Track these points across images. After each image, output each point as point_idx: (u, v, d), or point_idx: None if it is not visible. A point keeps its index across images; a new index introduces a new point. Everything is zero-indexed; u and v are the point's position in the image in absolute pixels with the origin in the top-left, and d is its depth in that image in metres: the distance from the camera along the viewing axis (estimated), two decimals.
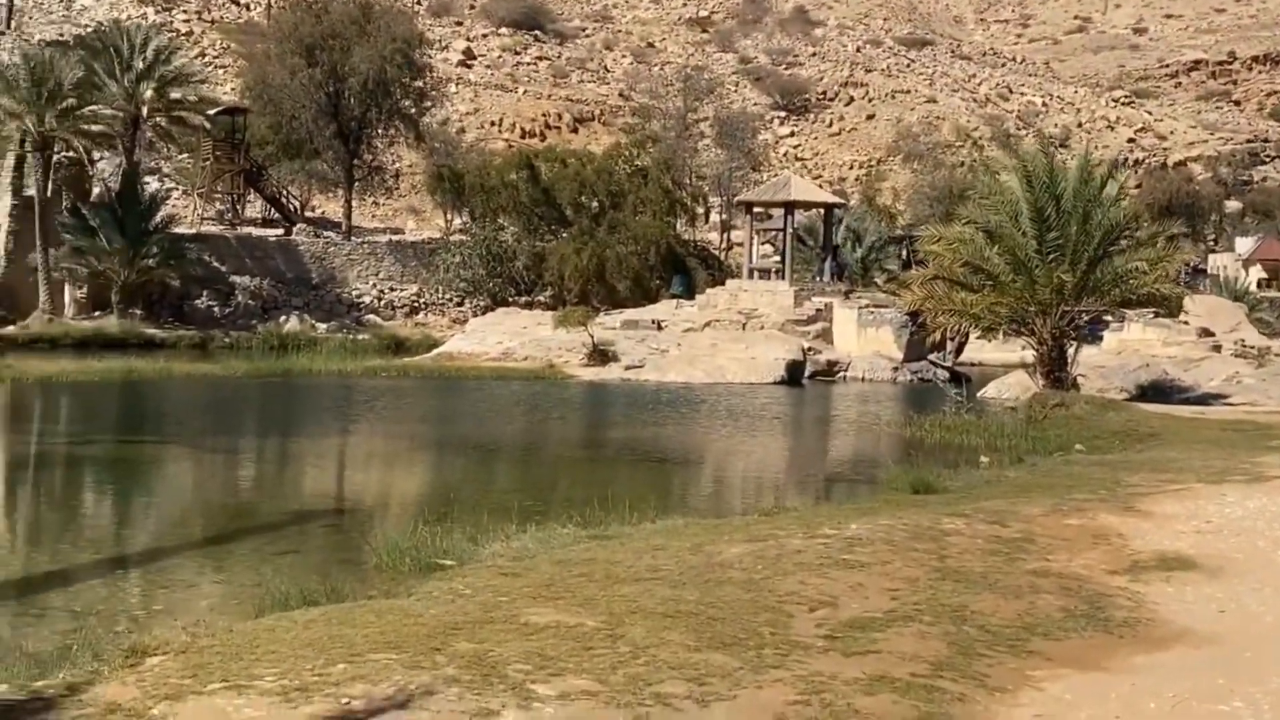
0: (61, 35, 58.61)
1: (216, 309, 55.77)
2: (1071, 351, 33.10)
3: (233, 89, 66.90)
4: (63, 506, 18.69)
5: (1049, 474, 19.50)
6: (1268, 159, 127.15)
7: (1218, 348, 47.89)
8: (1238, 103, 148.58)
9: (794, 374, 44.84)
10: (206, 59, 74.54)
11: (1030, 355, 35.00)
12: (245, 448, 26.99)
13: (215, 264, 56.93)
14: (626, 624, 8.24)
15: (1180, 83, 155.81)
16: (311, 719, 5.90)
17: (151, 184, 58.02)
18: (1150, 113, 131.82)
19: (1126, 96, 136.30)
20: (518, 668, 6.88)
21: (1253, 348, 48.07)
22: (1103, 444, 23.98)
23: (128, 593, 12.30)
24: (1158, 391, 35.40)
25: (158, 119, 54.96)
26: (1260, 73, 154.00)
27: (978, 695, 6.98)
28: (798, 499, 20.56)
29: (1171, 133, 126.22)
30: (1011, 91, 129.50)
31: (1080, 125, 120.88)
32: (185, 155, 63.37)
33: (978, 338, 43.49)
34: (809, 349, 47.26)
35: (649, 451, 27.19)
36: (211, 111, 58.15)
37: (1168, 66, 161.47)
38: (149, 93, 53.45)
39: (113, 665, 7.21)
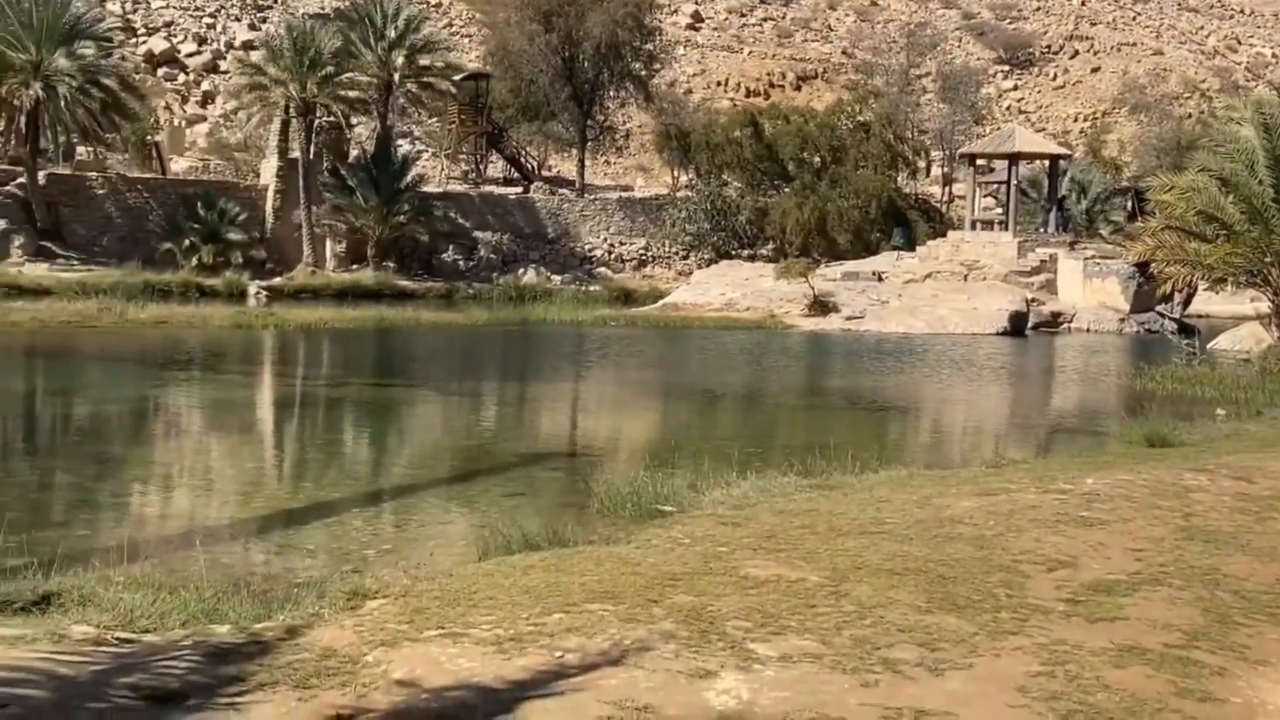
0: (323, 8, 59.33)
1: (461, 262, 56.34)
2: None
3: (476, 56, 67.28)
4: (314, 445, 18.75)
5: None
6: None
7: None
8: None
9: (1017, 325, 43.43)
10: (453, 28, 75.15)
11: (1265, 307, 32.92)
12: (485, 392, 27.05)
13: (460, 220, 57.49)
14: (851, 580, 7.55)
15: None
16: (524, 671, 5.47)
17: (403, 146, 58.84)
18: None
19: None
20: (737, 624, 6.32)
21: None
22: None
23: (360, 531, 11.98)
24: None
25: (408, 85, 55.54)
26: None
27: (1238, 669, 6.06)
28: (1024, 450, 19.19)
29: None
30: (1240, 43, 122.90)
31: None
32: (433, 119, 64.08)
33: (1206, 289, 41.02)
34: (1032, 300, 45.69)
35: (870, 400, 26.22)
36: (457, 77, 58.56)
37: None
38: (400, 60, 54.11)
39: (334, 608, 6.94)
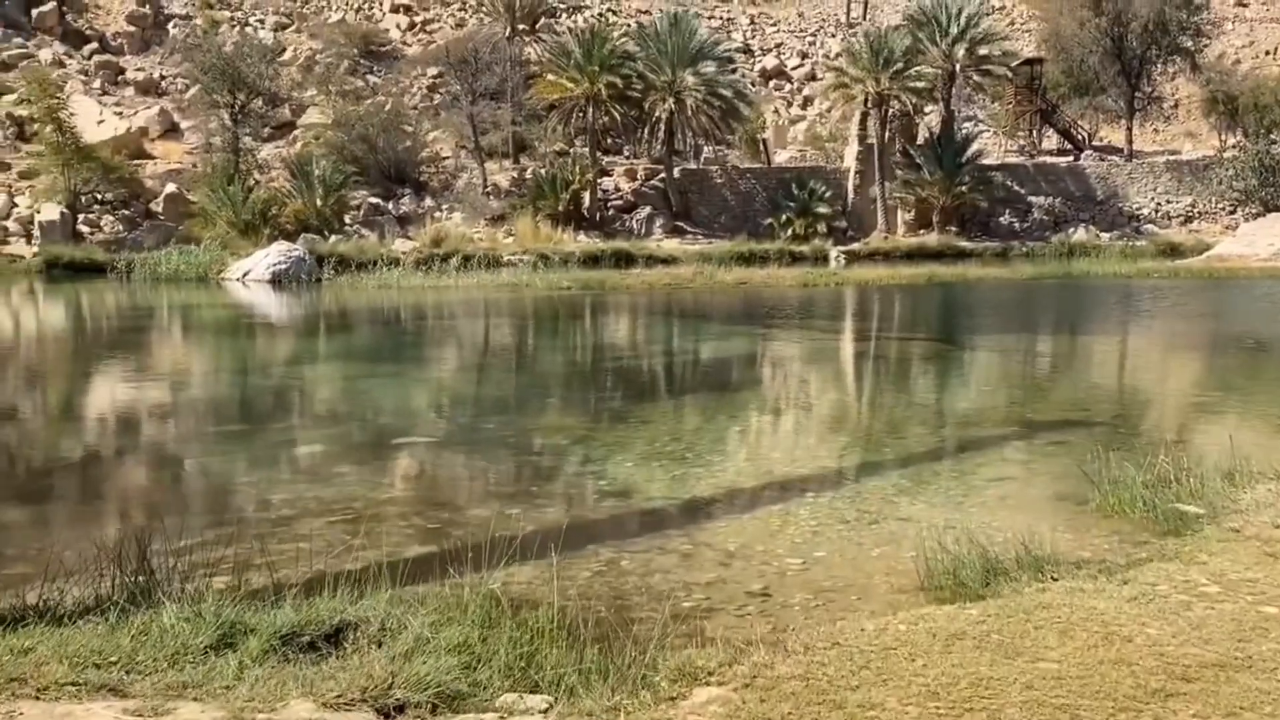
0: (900, 23, 55.50)
1: (1016, 224, 51.00)
2: None
3: (1031, 44, 60.63)
4: (821, 404, 14.36)
5: None
6: None
7: None
8: None
9: None
10: (1011, 21, 68.45)
11: None
12: (1014, 347, 20.57)
13: (1015, 187, 52.21)
14: None
15: None
16: None
17: (965, 127, 54.04)
18: None
19: None
20: None
21: None
22: None
23: (812, 513, 7.74)
24: None
25: (970, 74, 50.68)
26: None
27: None
28: None
29: None
30: None
31: None
32: (993, 101, 58.47)
33: None
34: None
35: None
36: (1013, 64, 52.93)
37: None
38: (961, 53, 49.68)
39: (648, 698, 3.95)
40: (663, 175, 49.92)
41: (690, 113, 47.77)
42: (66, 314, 27.20)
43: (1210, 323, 24.15)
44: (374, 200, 45.17)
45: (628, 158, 53.23)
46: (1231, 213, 50.72)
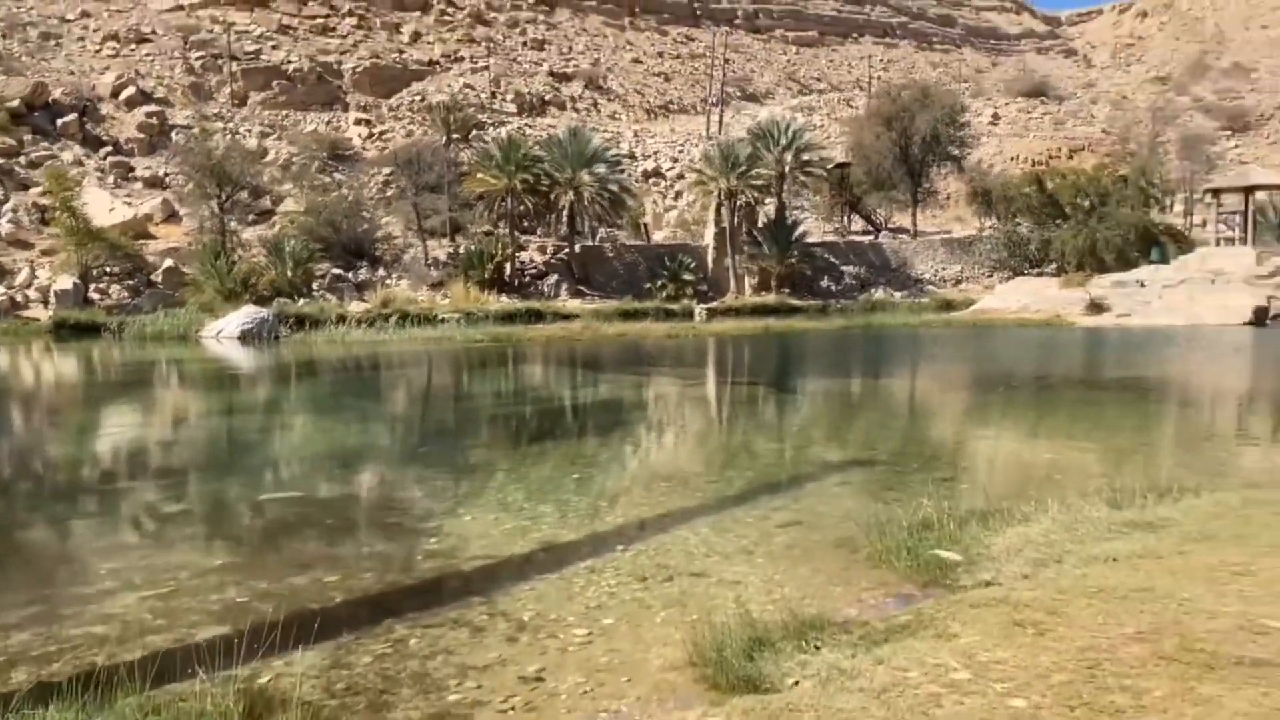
0: (744, 135, 54.84)
1: (833, 286, 50.16)
2: None
3: (841, 151, 60.58)
4: (609, 446, 13.14)
5: None
6: None
7: None
8: None
9: (1259, 317, 32.95)
10: (827, 135, 68.71)
11: None
12: (815, 389, 18.65)
13: (831, 259, 51.51)
14: None
15: None
16: None
17: (794, 214, 53.28)
18: None
19: None
20: None
21: None
22: None
23: (579, 579, 5.94)
24: None
25: (797, 174, 50.07)
26: None
27: None
28: None
29: None
30: None
31: None
32: (815, 195, 57.97)
33: None
34: (1270, 297, 34.50)
35: (1149, 380, 18.54)
36: (828, 167, 52.62)
37: None
38: (789, 159, 48.92)
39: None
40: (567, 250, 48.57)
41: (587, 202, 46.68)
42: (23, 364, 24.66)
43: (977, 365, 23.26)
44: (337, 271, 43.00)
45: (540, 236, 51.80)
46: (989, 276, 50.69)
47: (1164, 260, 43.32)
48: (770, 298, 46.53)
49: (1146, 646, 4.14)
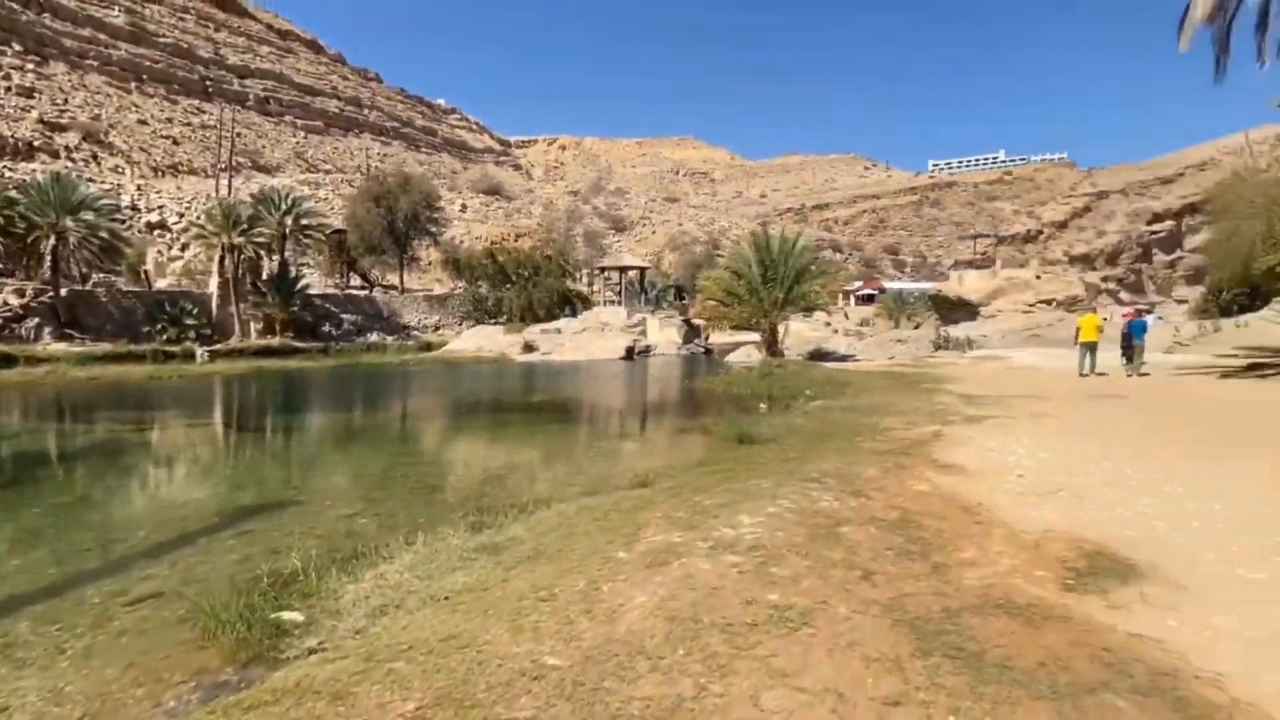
0: (247, 198, 47.90)
1: (334, 331, 45.90)
2: (782, 332, 25.85)
3: (340, 220, 56.39)
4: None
5: (821, 419, 11.29)
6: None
7: (845, 331, 41.46)
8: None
9: (629, 353, 37.32)
10: (331, 205, 63.73)
11: (751, 337, 27.86)
12: (267, 425, 14.98)
13: (333, 309, 47.17)
14: None
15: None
16: None
17: (300, 269, 48.13)
18: None
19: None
20: None
21: (856, 329, 41.54)
22: (818, 390, 15.83)
23: None
24: (821, 355, 28.09)
25: (298, 235, 44.99)
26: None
27: None
28: (652, 435, 12.93)
29: None
30: (714, 222, 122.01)
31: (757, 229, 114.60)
32: (319, 254, 52.89)
33: (712, 331, 36.75)
34: (636, 340, 39.68)
35: (554, 393, 19.29)
36: (327, 232, 48.56)
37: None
38: (289, 221, 43.92)
39: None
40: (51, 294, 37.07)
41: (74, 247, 36.32)
42: None
43: (442, 395, 21.83)
44: None
45: (19, 279, 38.86)
46: (460, 324, 50.96)
47: (574, 314, 47.67)
48: (274, 340, 40.87)
49: (438, 706, 3.00)
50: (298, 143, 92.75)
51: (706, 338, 41.55)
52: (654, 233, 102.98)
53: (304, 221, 44.55)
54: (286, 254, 45.07)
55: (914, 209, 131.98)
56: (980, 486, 6.61)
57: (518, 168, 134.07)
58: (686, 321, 41.62)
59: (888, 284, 68.04)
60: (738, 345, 33.49)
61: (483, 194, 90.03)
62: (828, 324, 41.92)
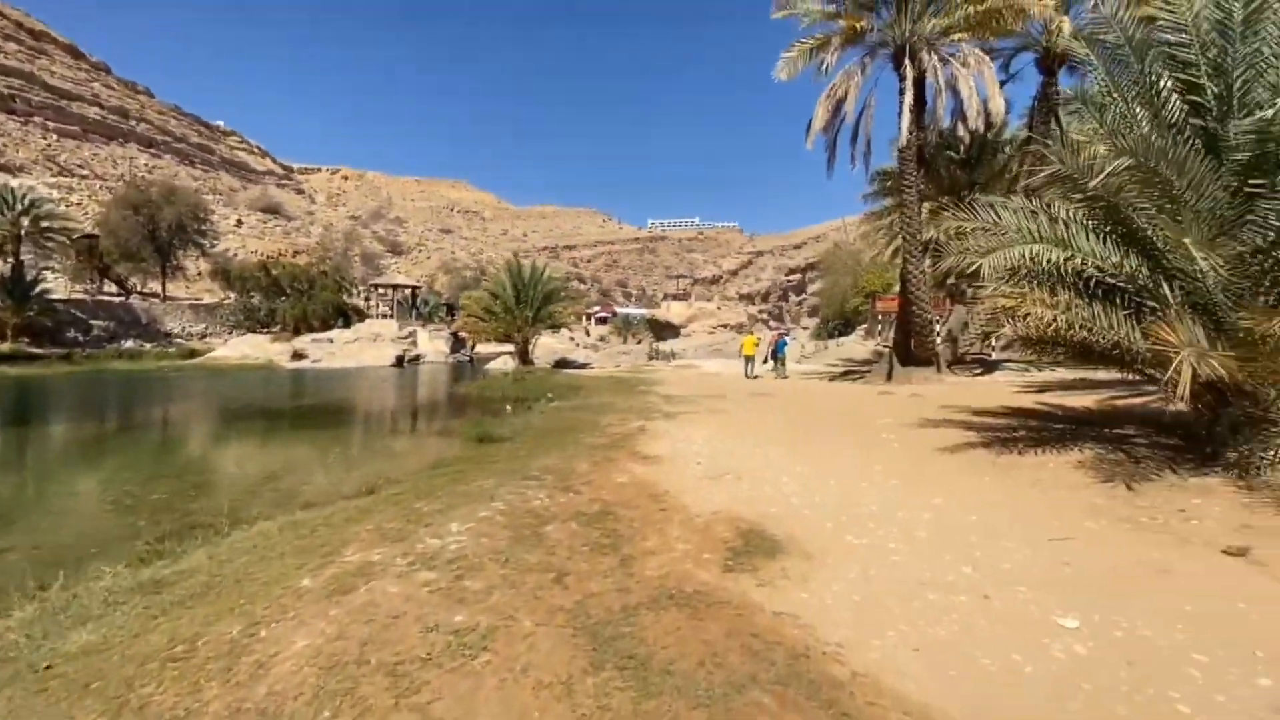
0: None
1: (81, 337, 38.80)
2: (533, 345, 27.79)
3: (93, 224, 48.09)
4: None
5: (554, 418, 11.53)
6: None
7: (584, 344, 44.47)
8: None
9: (400, 361, 36.92)
10: (85, 210, 54.13)
11: (511, 348, 29.43)
12: None
13: (79, 314, 39.78)
14: None
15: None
16: None
17: (42, 273, 39.54)
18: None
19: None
20: None
21: (593, 343, 44.71)
22: (560, 393, 16.78)
23: None
24: (565, 364, 30.39)
25: (37, 237, 37.83)
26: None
27: None
28: (400, 438, 12.54)
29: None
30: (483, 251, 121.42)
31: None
32: (65, 259, 44.43)
33: (477, 342, 37.74)
34: (406, 349, 39.23)
35: (318, 398, 19.04)
36: (74, 235, 41.47)
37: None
38: (26, 223, 36.97)
39: None
40: None
41: None
42: None
43: (195, 400, 19.44)
44: None
45: None
46: (230, 333, 45.92)
47: (348, 325, 45.52)
48: (5, 346, 33.87)
49: None
50: (49, 145, 76.89)
51: (472, 348, 42.13)
52: (429, 258, 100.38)
53: (44, 224, 37.73)
54: (24, 256, 37.73)
55: (638, 254, 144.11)
56: (670, 474, 6.61)
57: (300, 192, 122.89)
58: (454, 334, 41.91)
59: (619, 309, 72.61)
60: (498, 355, 34.71)
61: (261, 212, 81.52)
62: (571, 338, 44.94)
